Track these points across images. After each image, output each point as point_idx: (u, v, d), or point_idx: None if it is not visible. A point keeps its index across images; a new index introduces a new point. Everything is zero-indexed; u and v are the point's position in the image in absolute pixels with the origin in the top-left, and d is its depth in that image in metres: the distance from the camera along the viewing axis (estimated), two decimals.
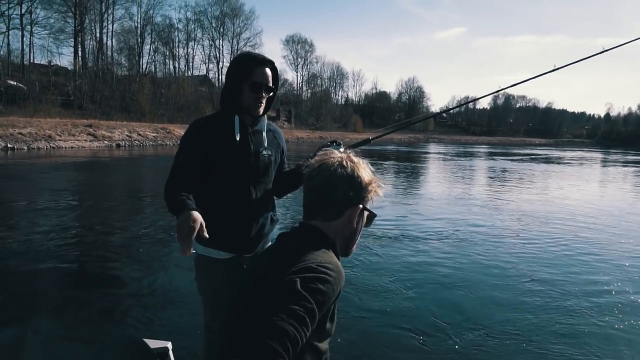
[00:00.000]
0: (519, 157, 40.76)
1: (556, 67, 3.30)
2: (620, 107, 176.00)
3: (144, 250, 7.12)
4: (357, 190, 1.39)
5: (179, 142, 2.44)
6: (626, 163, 38.63)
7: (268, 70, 2.35)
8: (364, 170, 1.42)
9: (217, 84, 73.64)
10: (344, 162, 1.40)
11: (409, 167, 27.59)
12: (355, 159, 1.43)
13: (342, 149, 2.31)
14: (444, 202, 12.94)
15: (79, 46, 54.97)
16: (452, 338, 4.19)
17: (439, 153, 46.10)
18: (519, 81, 3.40)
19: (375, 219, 1.50)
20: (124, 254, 6.89)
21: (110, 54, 60.22)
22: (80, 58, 54.94)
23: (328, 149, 1.50)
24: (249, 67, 2.32)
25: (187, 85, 62.17)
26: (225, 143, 2.31)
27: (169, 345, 2.15)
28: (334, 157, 1.43)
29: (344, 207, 1.39)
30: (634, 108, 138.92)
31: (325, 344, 1.33)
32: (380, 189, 1.44)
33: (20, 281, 5.49)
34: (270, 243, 2.43)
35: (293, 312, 1.10)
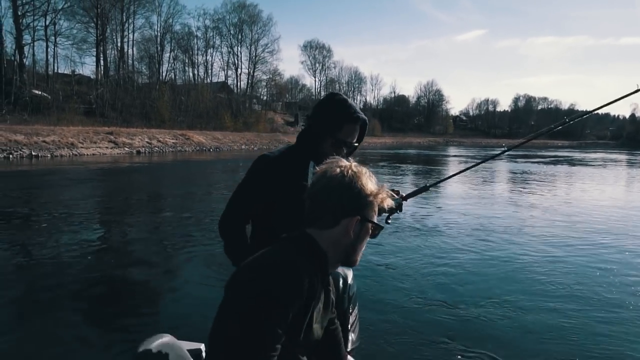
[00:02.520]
0: (542, 159, 40.07)
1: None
2: None
3: (173, 255, 7.17)
4: (355, 199, 1.36)
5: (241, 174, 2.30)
6: None
7: (358, 128, 2.24)
8: (366, 180, 1.39)
9: (235, 90, 74.26)
10: (345, 171, 1.38)
11: (432, 169, 27.35)
12: (357, 169, 1.40)
13: (397, 198, 2.28)
14: (469, 201, 12.76)
15: (101, 55, 56.08)
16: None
17: (462, 156, 45.61)
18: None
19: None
20: (154, 259, 6.93)
21: (131, 62, 61.27)
22: (102, 67, 56.11)
23: (336, 158, 1.45)
24: (340, 121, 2.20)
25: (206, 92, 62.87)
26: (295, 187, 2.15)
27: (202, 347, 2.18)
28: (337, 165, 1.41)
29: (341, 215, 1.36)
30: None
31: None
32: (387, 201, 1.41)
33: (49, 291, 5.55)
34: None
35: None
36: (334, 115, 2.21)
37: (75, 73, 54.53)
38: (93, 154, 31.53)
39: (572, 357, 3.80)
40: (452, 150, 59.47)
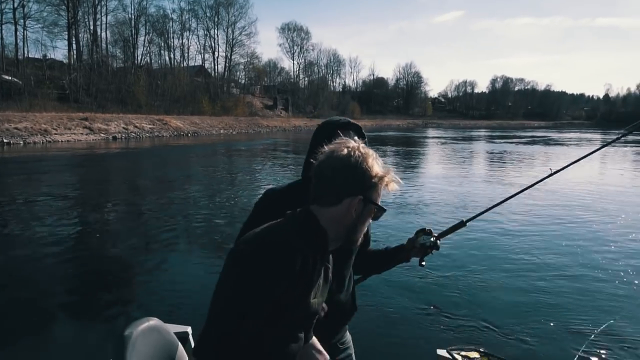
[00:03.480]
0: (519, 140, 40.63)
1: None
2: (619, 87, 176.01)
3: (157, 240, 7.12)
4: (359, 179, 1.36)
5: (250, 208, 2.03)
6: (625, 143, 38.55)
7: (353, 134, 2.12)
8: (373, 162, 1.38)
9: (213, 74, 73.21)
10: (352, 151, 1.38)
11: (413, 151, 27.52)
12: (365, 150, 1.39)
13: (432, 238, 2.14)
14: (447, 181, 12.96)
15: (73, 39, 54.49)
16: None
17: (440, 137, 45.97)
18: None
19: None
20: (137, 245, 6.89)
21: (105, 46, 59.78)
22: (74, 51, 54.50)
23: (344, 138, 1.45)
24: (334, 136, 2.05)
25: (183, 76, 61.84)
26: None
27: (189, 329, 2.21)
28: (345, 145, 1.41)
29: (344, 194, 1.37)
30: (633, 88, 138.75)
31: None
32: (394, 184, 1.40)
33: (27, 277, 5.49)
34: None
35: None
36: (329, 135, 2.03)
37: (47, 57, 53.04)
38: (68, 141, 30.87)
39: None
40: (431, 132, 59.88)
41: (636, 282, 5.28)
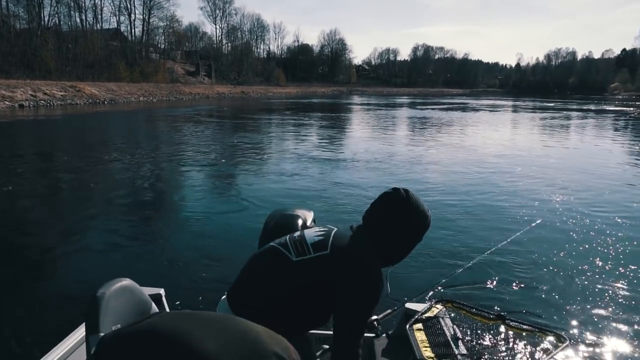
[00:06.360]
0: (440, 107, 42.22)
1: None
2: (529, 57, 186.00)
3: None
4: None
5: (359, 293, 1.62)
6: (534, 109, 41.27)
7: None
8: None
9: (129, 38, 69.23)
10: None
11: (341, 117, 27.81)
12: None
13: None
14: (373, 145, 13.47)
15: None
16: None
17: (365, 104, 46.71)
18: None
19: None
20: (52, 224, 6.57)
21: (6, 4, 54.42)
22: None
23: None
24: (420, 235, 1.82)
25: (97, 40, 57.98)
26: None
27: (162, 291, 2.27)
28: None
29: None
30: (541, 58, 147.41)
31: None
32: None
33: None
34: None
35: None
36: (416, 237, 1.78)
37: None
38: None
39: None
40: (356, 99, 60.66)
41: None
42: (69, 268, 4.86)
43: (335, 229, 1.70)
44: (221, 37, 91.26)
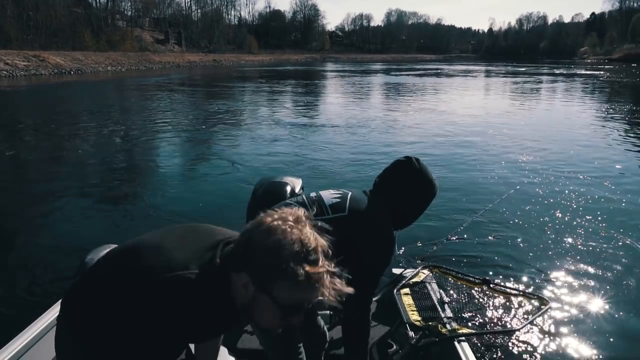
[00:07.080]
0: (415, 73, 42.18)
1: None
2: (501, 22, 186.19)
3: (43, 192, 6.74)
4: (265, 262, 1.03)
5: (372, 260, 1.74)
6: (507, 74, 41.62)
7: None
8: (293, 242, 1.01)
9: (94, 4, 66.68)
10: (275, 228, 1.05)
11: (317, 84, 27.57)
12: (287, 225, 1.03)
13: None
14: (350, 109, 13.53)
15: None
16: None
17: (339, 71, 46.32)
18: None
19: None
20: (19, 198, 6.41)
21: None
22: None
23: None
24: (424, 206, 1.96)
25: (59, 7, 55.64)
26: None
27: None
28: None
29: (228, 264, 1.07)
30: (513, 23, 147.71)
31: None
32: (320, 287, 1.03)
33: None
34: None
35: None
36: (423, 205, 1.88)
37: None
38: None
39: None
40: (330, 66, 60.01)
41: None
42: (47, 235, 4.79)
43: (350, 192, 1.78)
44: (190, 4, 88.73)
